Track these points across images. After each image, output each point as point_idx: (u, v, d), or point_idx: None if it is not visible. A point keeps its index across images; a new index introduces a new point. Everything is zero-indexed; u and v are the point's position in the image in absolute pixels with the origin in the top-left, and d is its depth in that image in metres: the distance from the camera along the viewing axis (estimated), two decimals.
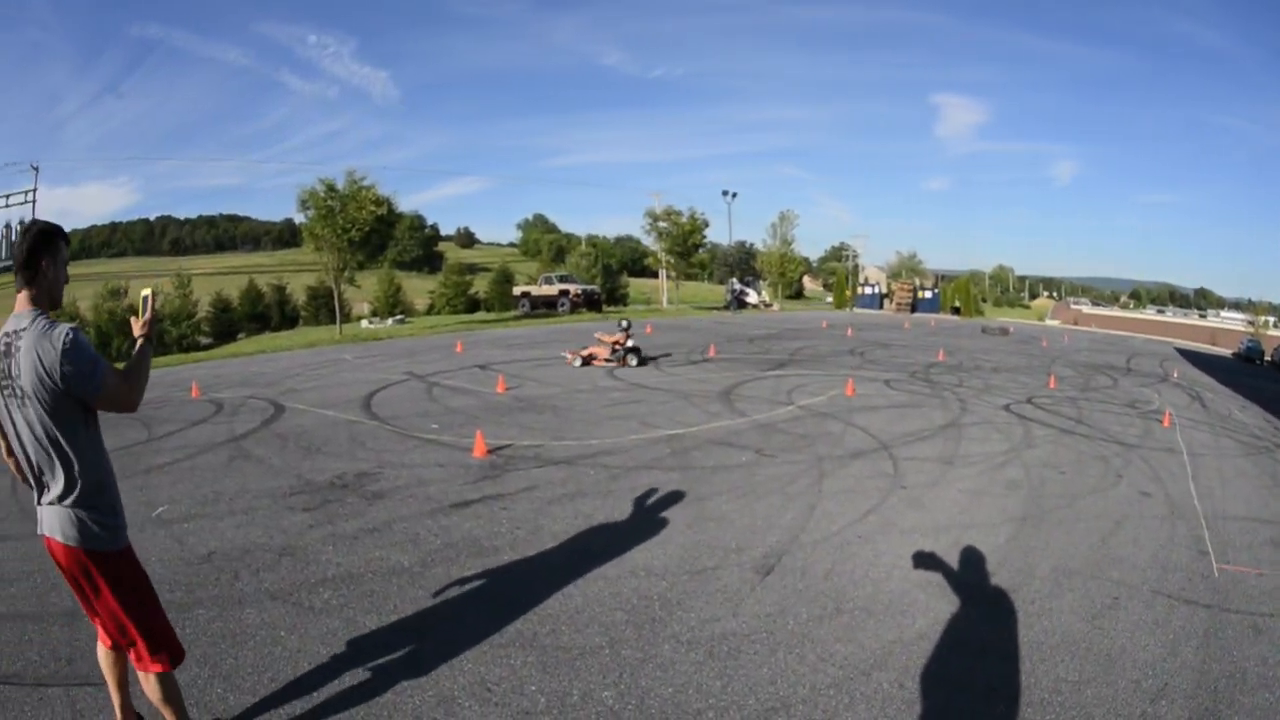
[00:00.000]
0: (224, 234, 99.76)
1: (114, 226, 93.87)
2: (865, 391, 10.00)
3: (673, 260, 34.42)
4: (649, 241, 35.84)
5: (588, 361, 10.76)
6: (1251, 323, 41.76)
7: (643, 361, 11.31)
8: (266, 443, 6.02)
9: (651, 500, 4.66)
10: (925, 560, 4.03)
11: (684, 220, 33.21)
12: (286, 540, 3.74)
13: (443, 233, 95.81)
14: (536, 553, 3.71)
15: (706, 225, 34.03)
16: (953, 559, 4.13)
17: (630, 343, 10.95)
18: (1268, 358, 26.43)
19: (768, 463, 5.82)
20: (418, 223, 73.57)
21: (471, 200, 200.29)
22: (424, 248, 75.53)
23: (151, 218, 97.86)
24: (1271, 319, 44.89)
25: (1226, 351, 30.34)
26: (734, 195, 40.04)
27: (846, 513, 4.73)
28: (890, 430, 7.43)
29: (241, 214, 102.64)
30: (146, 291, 1.95)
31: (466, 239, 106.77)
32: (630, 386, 9.25)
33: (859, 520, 4.62)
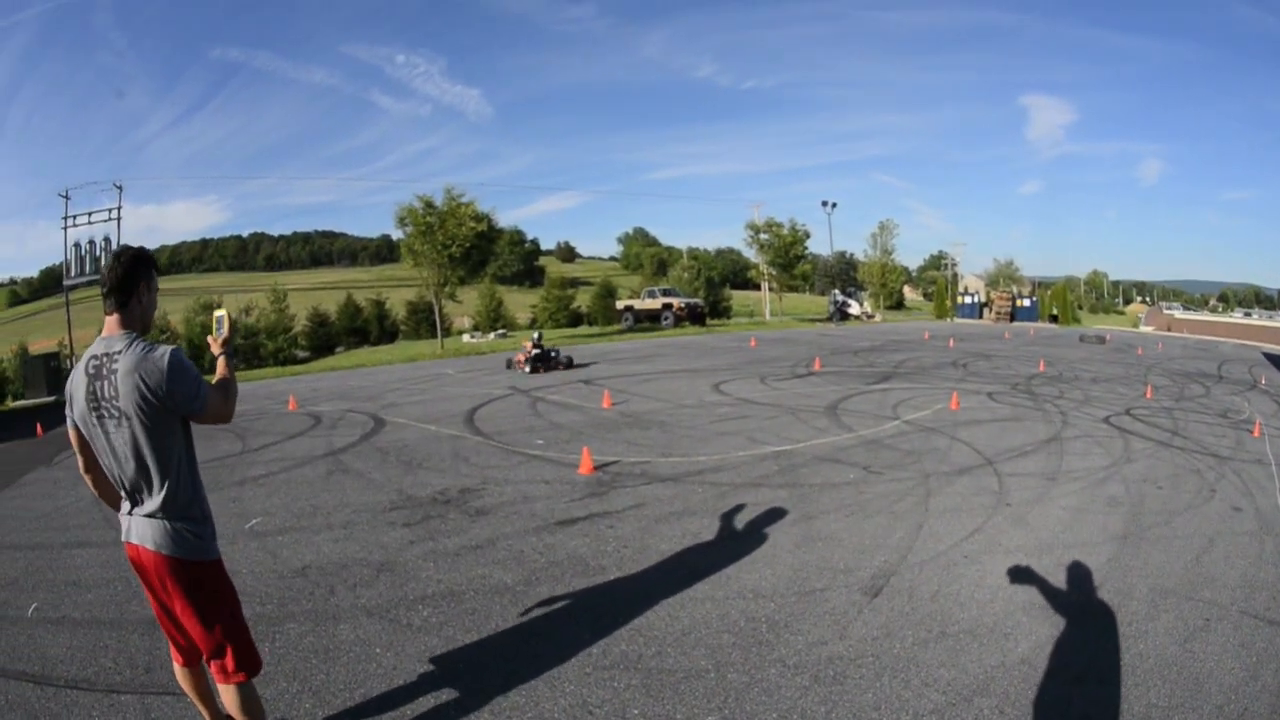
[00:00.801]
0: (319, 250, 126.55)
1: (205, 243, 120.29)
2: (969, 405, 12.16)
3: (774, 272, 43.20)
4: (750, 254, 44.96)
5: (510, 365, 15.77)
6: None
7: (566, 365, 15.96)
8: (366, 456, 7.18)
9: (759, 519, 5.61)
10: (1028, 581, 4.77)
11: (785, 232, 41.69)
12: (385, 556, 4.51)
13: (543, 247, 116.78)
14: (643, 572, 4.45)
15: (808, 236, 42.65)
16: (1055, 579, 4.87)
17: (535, 352, 15.49)
18: None
19: (875, 480, 6.98)
20: (517, 237, 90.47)
21: (570, 215, 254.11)
22: (524, 262, 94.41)
23: (245, 234, 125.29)
24: None
25: None
26: (833, 205, 46.90)
27: (953, 532, 5.66)
28: (994, 445, 9.01)
29: (337, 230, 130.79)
30: (220, 312, 2.51)
31: (567, 253, 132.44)
32: (737, 402, 11.39)
33: (965, 539, 5.53)
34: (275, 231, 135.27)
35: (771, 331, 33.04)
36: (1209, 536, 6.02)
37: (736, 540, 5.16)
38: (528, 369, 15.67)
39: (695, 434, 8.78)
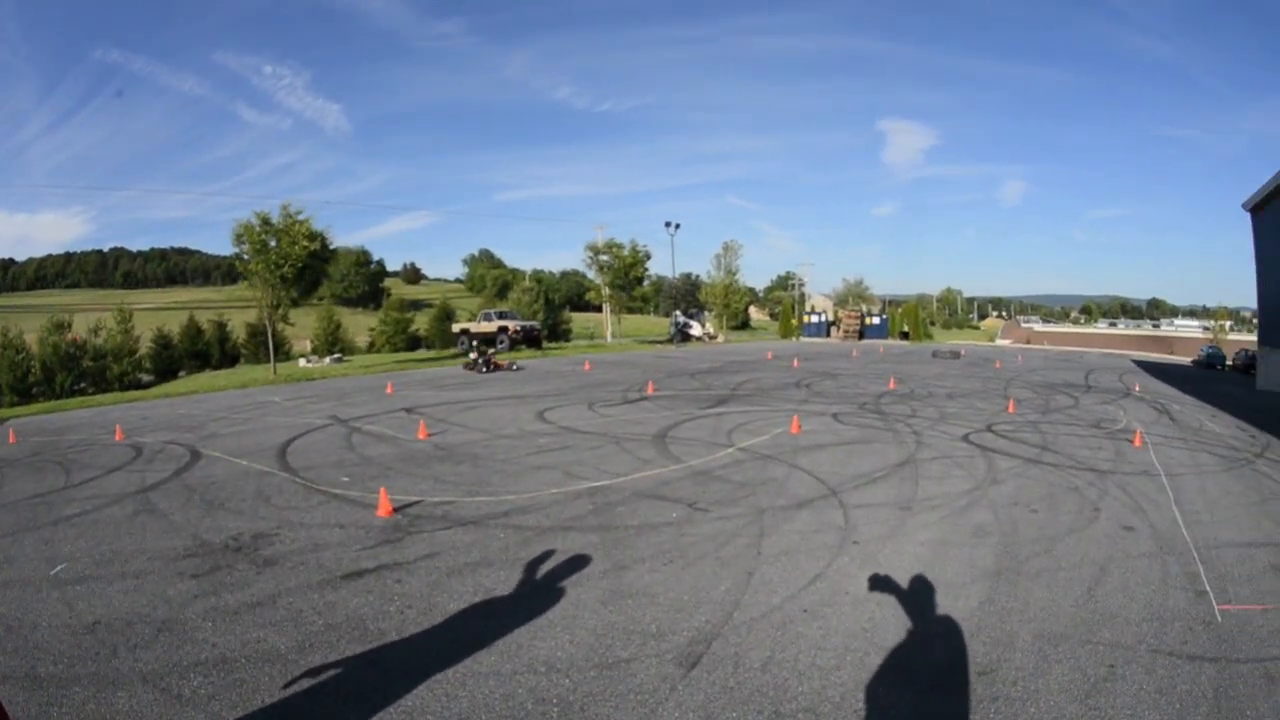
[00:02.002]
0: (175, 268, 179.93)
1: (69, 257, 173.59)
2: (812, 428, 14.35)
3: (613, 293, 56.93)
4: (592, 275, 58.12)
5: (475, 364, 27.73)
6: (1208, 329, 70.23)
7: (491, 364, 27.87)
8: (173, 495, 9.08)
9: (563, 570, 6.39)
10: (883, 639, 5.20)
11: (625, 253, 55.32)
12: (169, 612, 5.52)
13: (389, 268, 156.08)
14: (425, 637, 5.18)
15: (648, 257, 56.95)
16: (916, 633, 5.33)
17: (475, 357, 29.23)
18: (1229, 362, 44.42)
19: (701, 519, 8.02)
20: (363, 258, 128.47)
21: (420, 235, 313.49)
22: (369, 283, 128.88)
23: (105, 249, 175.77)
24: (1229, 324, 75.63)
25: (1186, 360, 49.79)
26: (677, 226, 61.60)
27: (790, 579, 6.32)
28: (839, 472, 10.40)
29: (192, 247, 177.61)
30: None
31: (413, 275, 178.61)
32: (560, 431, 13.74)
33: (804, 588, 6.15)
34: (135, 247, 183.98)
35: (609, 354, 40.82)
36: (1100, 564, 6.92)
37: (534, 598, 5.88)
38: (484, 370, 28.14)
39: (509, 468, 10.54)
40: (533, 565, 6.58)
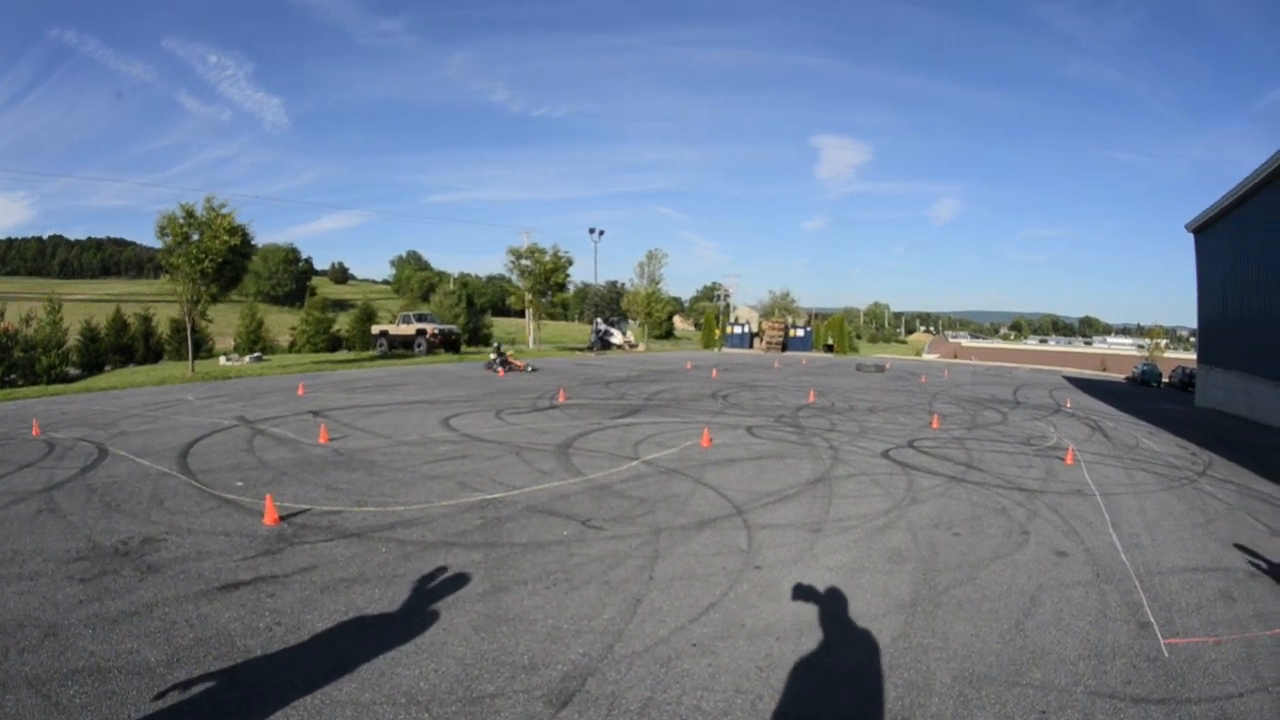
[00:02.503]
0: (110, 259, 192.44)
1: (9, 243, 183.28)
2: (723, 441, 14.86)
3: (534, 299, 60.34)
4: (514, 279, 61.98)
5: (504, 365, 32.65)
6: (1142, 346, 76.91)
7: (508, 364, 32.94)
8: (76, 494, 9.80)
9: (440, 590, 6.51)
10: (780, 679, 5.07)
11: (547, 258, 58.96)
12: (55, 616, 5.96)
13: (319, 267, 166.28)
14: (289, 657, 5.23)
15: (569, 263, 60.52)
16: (820, 673, 5.19)
17: (494, 358, 34.15)
18: (1166, 380, 48.33)
19: (593, 538, 8.08)
20: (292, 256, 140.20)
21: (350, 235, 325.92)
22: (298, 282, 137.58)
23: (45, 236, 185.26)
24: (1164, 342, 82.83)
25: (1119, 377, 54.19)
26: (600, 233, 64.80)
27: (681, 608, 6.27)
28: (748, 489, 10.64)
29: (128, 238, 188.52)
30: None
31: (340, 274, 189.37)
32: (463, 439, 14.33)
33: (696, 619, 6.07)
34: (73, 235, 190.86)
35: (527, 359, 42.53)
36: (1029, 594, 6.90)
37: (405, 620, 5.92)
38: (499, 369, 32.38)
39: (403, 477, 10.95)
40: (409, 584, 6.66)
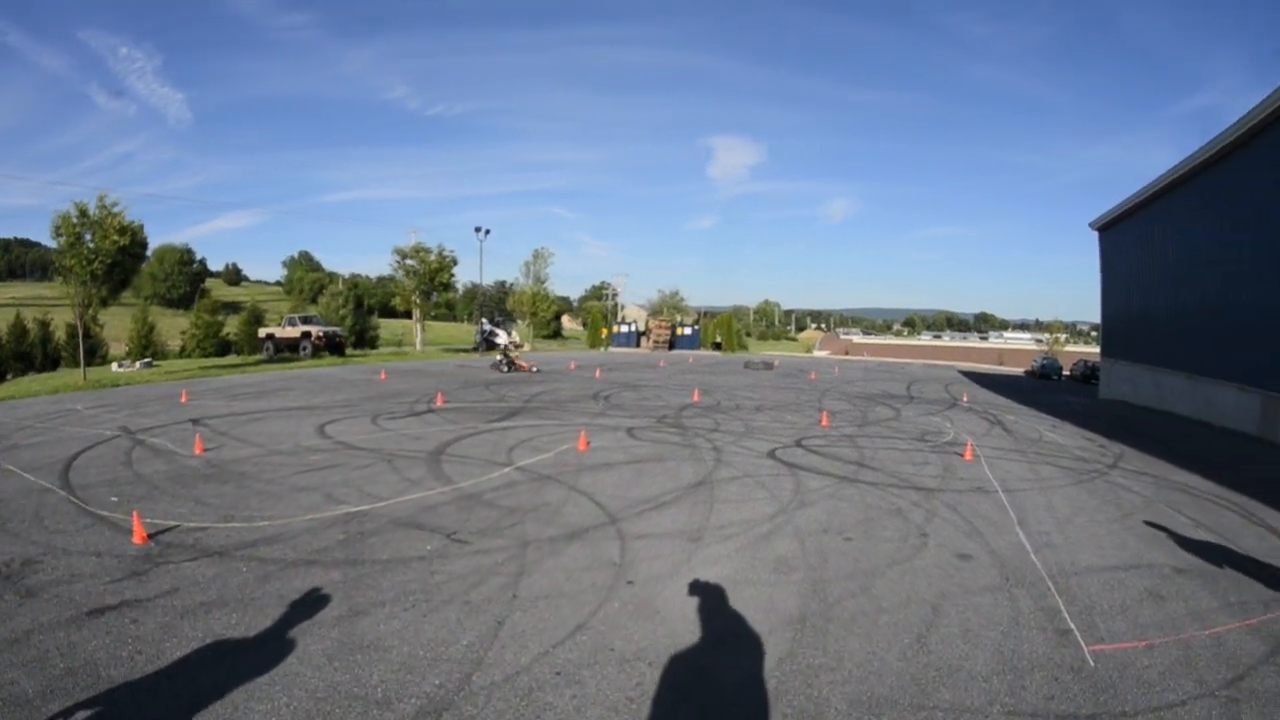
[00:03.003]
0: (16, 260, 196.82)
1: None
2: (602, 444, 15.10)
3: (419, 299, 63.84)
4: (400, 278, 65.37)
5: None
6: (1041, 340, 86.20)
7: (514, 365, 36.82)
8: None
9: (297, 614, 6.46)
10: (651, 712, 4.96)
11: (432, 257, 62.52)
12: None
13: (213, 268, 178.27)
14: (145, 687, 5.43)
15: (454, 262, 64.16)
16: (695, 705, 5.07)
17: (500, 358, 38.27)
18: (1067, 373, 53.33)
19: (458, 553, 8.15)
20: (187, 257, 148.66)
21: (246, 234, 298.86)
22: (193, 284, 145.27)
23: None
24: (1063, 336, 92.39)
25: (1017, 371, 59.35)
26: (487, 232, 67.62)
27: (546, 630, 6.20)
28: (624, 495, 10.75)
29: (35, 239, 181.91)
30: None
31: (234, 276, 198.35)
32: (336, 447, 14.61)
33: (562, 643, 5.97)
34: None
35: (409, 363, 45.45)
36: (931, 603, 6.82)
37: (261, 648, 5.93)
38: (505, 369, 35.68)
39: (272, 489, 11.07)
40: (268, 607, 6.65)
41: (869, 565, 7.85)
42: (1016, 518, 9.87)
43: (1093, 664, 5.61)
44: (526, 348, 70.53)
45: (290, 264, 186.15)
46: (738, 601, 6.78)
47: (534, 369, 37.09)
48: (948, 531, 9.17)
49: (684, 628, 6.19)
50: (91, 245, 32.34)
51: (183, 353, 68.18)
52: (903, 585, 7.27)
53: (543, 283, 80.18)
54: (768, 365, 47.41)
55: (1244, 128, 22.51)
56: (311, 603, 6.79)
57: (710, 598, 6.88)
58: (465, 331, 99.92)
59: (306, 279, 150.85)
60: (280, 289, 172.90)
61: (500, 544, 8.45)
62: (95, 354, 45.03)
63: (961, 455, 14.44)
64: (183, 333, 75.18)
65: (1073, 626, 6.33)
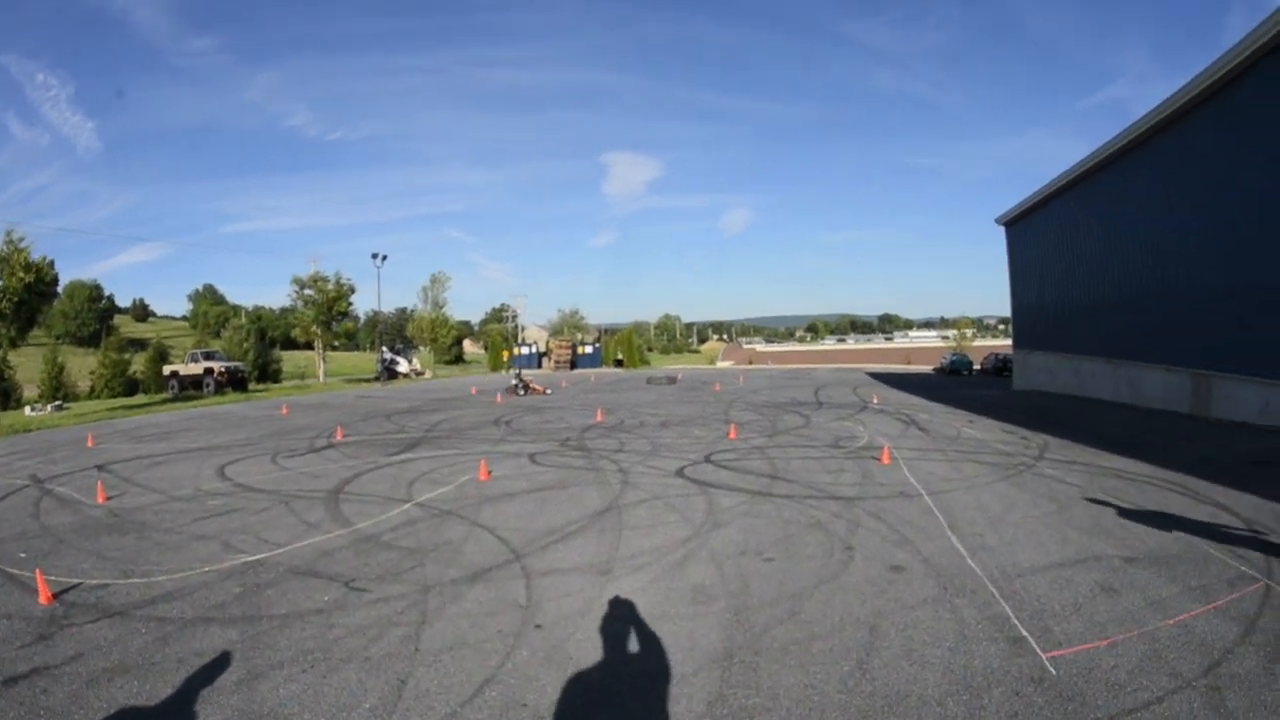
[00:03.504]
0: None
1: None
2: (503, 473, 15.11)
3: (318, 330, 65.65)
4: (300, 309, 67.09)
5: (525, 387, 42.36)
6: (947, 337, 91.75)
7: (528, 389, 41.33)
8: None
9: (197, 681, 6.27)
10: None
11: (330, 286, 64.57)
12: None
13: (121, 304, 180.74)
14: None
15: (352, 290, 66.57)
16: None
17: (515, 383, 43.52)
18: (978, 367, 55.83)
19: (356, 602, 7.89)
20: (96, 293, 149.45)
21: (153, 269, 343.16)
22: (102, 321, 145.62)
23: None
24: (970, 331, 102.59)
25: (926, 368, 61.91)
26: (384, 258, 67.17)
27: (452, 687, 5.91)
28: (527, 528, 10.60)
29: None
30: None
31: (141, 311, 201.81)
32: (234, 490, 14.53)
33: (469, 700, 5.70)
34: None
35: (311, 396, 46.35)
36: (868, 623, 6.55)
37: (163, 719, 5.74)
38: (522, 393, 39.35)
39: (170, 539, 10.92)
40: (168, 672, 6.44)
41: (794, 587, 7.61)
42: (946, 521, 9.76)
43: (1054, 671, 5.44)
44: (428, 375, 75.56)
45: (195, 298, 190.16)
46: (657, 638, 6.52)
47: (547, 391, 41.00)
48: (874, 542, 9.01)
49: (601, 674, 5.90)
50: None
51: (92, 393, 69.42)
52: (834, 606, 7.03)
53: (441, 307, 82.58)
54: (671, 380, 48.81)
55: (1163, 114, 24.01)
56: (210, 666, 6.53)
57: (626, 637, 6.61)
58: (368, 360, 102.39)
59: (212, 313, 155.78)
60: (187, 324, 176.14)
61: (400, 590, 8.22)
62: (10, 397, 45.76)
63: (879, 459, 14.49)
64: (91, 373, 75.98)
65: (1025, 633, 6.16)
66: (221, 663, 6.60)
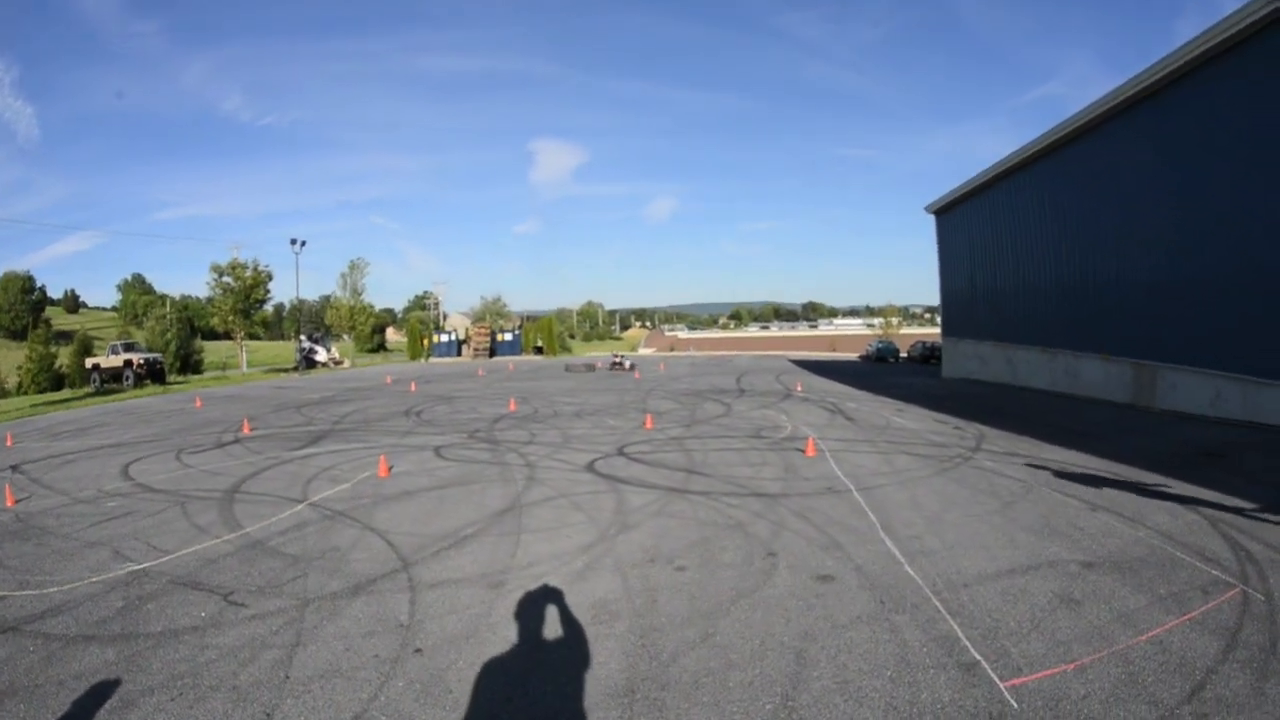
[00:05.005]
0: None
1: None
2: (405, 468, 14.84)
3: (236, 318, 66.62)
4: (219, 297, 68.13)
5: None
6: (872, 325, 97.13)
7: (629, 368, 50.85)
8: None
9: (75, 709, 6.07)
10: None
11: (248, 273, 65.22)
12: None
13: (53, 295, 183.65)
14: None
15: (269, 278, 67.31)
16: None
17: (616, 361, 55.26)
18: (905, 355, 57.74)
19: (233, 618, 7.54)
20: (28, 285, 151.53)
21: (85, 258, 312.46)
22: (35, 313, 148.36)
23: None
24: (896, 319, 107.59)
25: (852, 356, 64.30)
26: (303, 244, 67.46)
27: None
28: (421, 531, 10.25)
29: None
30: None
31: (73, 303, 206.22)
32: (135, 490, 14.37)
33: None
34: None
35: (228, 387, 46.21)
36: (794, 648, 5.97)
37: None
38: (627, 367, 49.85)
39: (66, 546, 10.67)
40: (49, 696, 6.21)
41: (709, 603, 7.07)
42: (879, 521, 9.35)
43: (1015, 704, 4.96)
44: (347, 364, 76.12)
45: (124, 287, 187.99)
46: (549, 667, 6.01)
47: (630, 366, 48.40)
48: (800, 546, 8.51)
49: (482, 712, 5.43)
50: None
51: (20, 389, 70.20)
52: (754, 626, 6.47)
53: (360, 294, 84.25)
54: (589, 367, 50.61)
55: (1102, 109, 24.45)
56: (87, 691, 6.23)
57: (514, 666, 6.10)
58: (290, 350, 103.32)
59: (140, 303, 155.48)
60: (116, 314, 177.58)
61: (278, 605, 7.83)
62: None
63: (803, 451, 14.19)
64: (18, 368, 76.90)
65: (978, 657, 5.65)
66: (97, 687, 6.29)
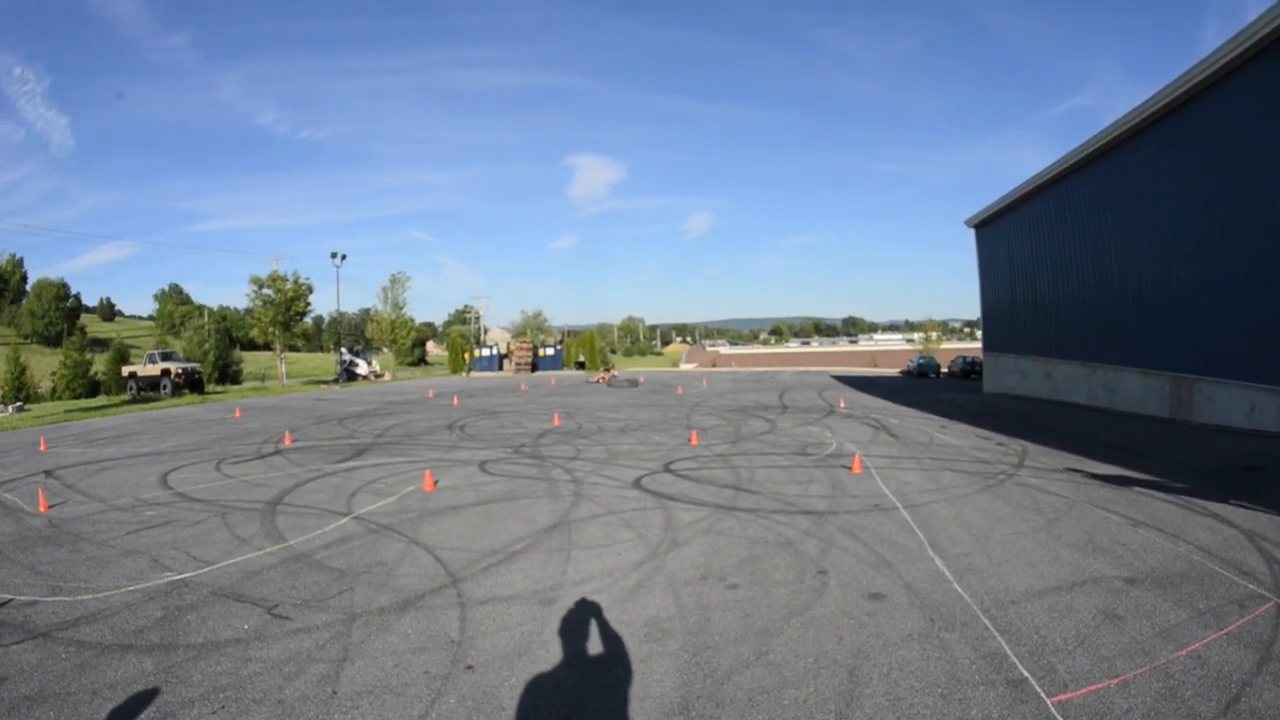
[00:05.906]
0: None
1: None
2: (450, 483, 14.79)
3: (276, 330, 67.44)
4: (259, 309, 69.20)
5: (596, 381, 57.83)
6: (912, 340, 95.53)
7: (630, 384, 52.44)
8: None
9: (108, 718, 5.98)
10: None
11: (288, 286, 66.42)
12: None
13: (88, 303, 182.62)
14: None
15: (310, 290, 68.22)
16: None
17: (613, 375, 63.45)
18: (945, 370, 58.72)
19: (277, 631, 7.45)
20: (63, 293, 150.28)
21: (121, 267, 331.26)
22: (69, 320, 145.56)
23: None
24: (936, 334, 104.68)
25: (893, 371, 65.16)
26: (343, 258, 68.10)
27: None
28: (469, 547, 10.14)
29: None
30: None
31: (108, 311, 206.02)
32: (174, 499, 14.24)
33: None
34: None
35: (267, 398, 46.83)
36: (847, 666, 5.96)
37: None
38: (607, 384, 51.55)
39: (101, 554, 10.65)
40: (82, 704, 6.14)
41: (762, 621, 7.05)
42: (926, 538, 9.33)
43: (1061, 719, 5.02)
44: (388, 377, 76.88)
45: (161, 297, 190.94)
46: (603, 685, 5.95)
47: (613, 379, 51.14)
48: (850, 564, 8.49)
49: None
50: None
51: (54, 394, 70.21)
52: (806, 644, 6.47)
53: (401, 308, 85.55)
54: (633, 383, 50.45)
55: (1137, 119, 24.39)
56: (123, 702, 6.15)
57: (568, 683, 6.03)
58: (329, 362, 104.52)
59: (177, 312, 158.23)
60: (154, 324, 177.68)
61: (324, 619, 7.73)
62: None
63: (849, 468, 14.13)
64: (53, 374, 76.72)
65: (1026, 674, 5.68)
66: (134, 698, 6.21)
